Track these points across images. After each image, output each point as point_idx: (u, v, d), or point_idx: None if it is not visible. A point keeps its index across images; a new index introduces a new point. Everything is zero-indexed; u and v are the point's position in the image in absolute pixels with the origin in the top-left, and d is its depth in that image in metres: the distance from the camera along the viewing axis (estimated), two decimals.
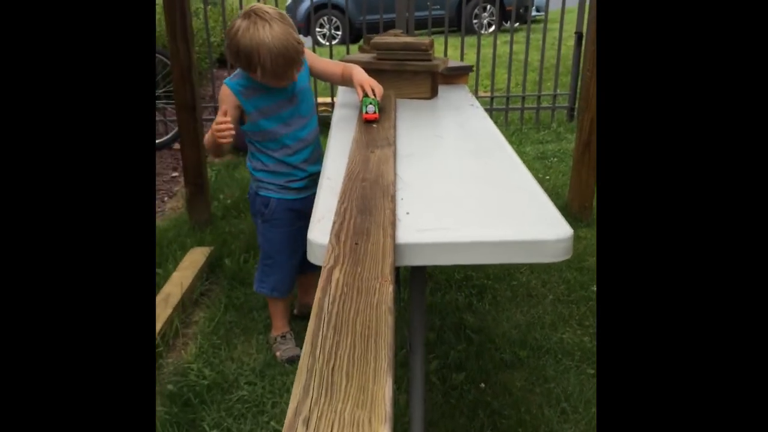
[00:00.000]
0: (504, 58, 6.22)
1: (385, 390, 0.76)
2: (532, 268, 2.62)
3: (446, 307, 2.41)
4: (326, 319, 0.89)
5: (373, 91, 1.91)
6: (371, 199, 1.29)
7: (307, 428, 0.69)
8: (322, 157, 1.78)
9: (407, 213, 1.27)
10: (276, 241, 2.10)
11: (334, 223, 1.19)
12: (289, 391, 1.99)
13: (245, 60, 1.76)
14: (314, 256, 1.21)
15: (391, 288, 0.97)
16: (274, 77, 1.80)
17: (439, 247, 1.18)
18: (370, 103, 1.83)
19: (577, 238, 2.84)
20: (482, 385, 1.99)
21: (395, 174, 1.45)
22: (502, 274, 2.59)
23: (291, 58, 1.76)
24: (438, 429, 1.81)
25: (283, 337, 2.23)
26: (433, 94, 2.26)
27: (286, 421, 0.70)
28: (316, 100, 2.25)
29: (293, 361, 2.14)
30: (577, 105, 4.84)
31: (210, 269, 2.73)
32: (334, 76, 2.13)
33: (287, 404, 2.02)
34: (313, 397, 0.74)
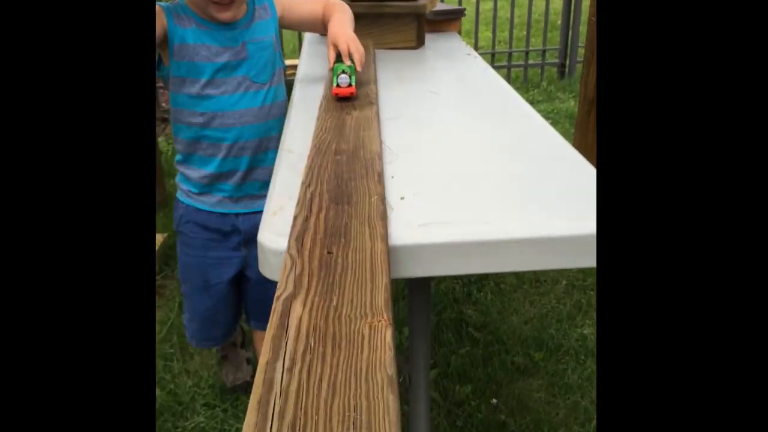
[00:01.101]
0: (488, 13, 5.78)
1: None
2: None
3: (441, 298, 2.03)
4: (276, 407, 0.49)
5: (350, 55, 1.27)
6: (350, 179, 0.88)
7: None
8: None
9: (401, 198, 0.88)
10: (184, 266, 1.44)
11: (294, 218, 0.79)
12: None
13: None
14: (268, 268, 0.81)
15: (389, 333, 0.58)
16: None
17: (456, 250, 0.79)
18: (344, 72, 1.19)
19: None
20: (494, 400, 1.62)
21: (381, 143, 1.04)
22: None
23: None
24: None
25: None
26: (420, 42, 1.84)
27: None
28: (284, 73, 1.44)
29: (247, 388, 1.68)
30: (567, 62, 4.45)
31: (163, 260, 2.32)
32: (315, 23, 1.45)
33: None
34: None
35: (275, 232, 0.80)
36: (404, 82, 1.45)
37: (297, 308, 0.61)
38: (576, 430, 1.53)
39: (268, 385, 0.52)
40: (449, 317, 1.93)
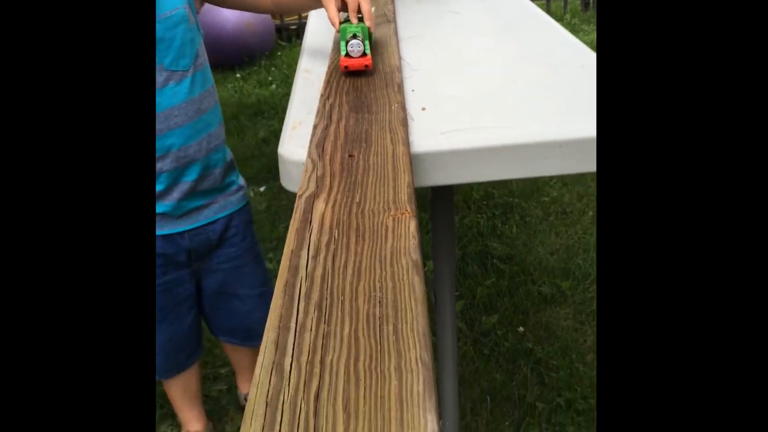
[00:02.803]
0: None
1: None
2: (564, 180, 2.21)
3: (466, 232, 2.02)
4: (303, 289, 0.49)
5: (359, 11, 0.96)
6: (369, 90, 0.87)
7: None
8: (226, 170, 1.14)
9: (423, 109, 0.86)
10: None
11: (314, 127, 0.77)
12: None
13: None
14: (289, 180, 0.80)
15: (413, 225, 0.57)
16: None
17: (479, 155, 0.78)
18: (354, 36, 0.89)
19: None
20: (520, 328, 1.62)
21: (400, 58, 1.02)
22: (530, 190, 2.18)
23: None
24: (471, 390, 1.45)
25: None
26: None
27: None
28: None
29: None
30: None
31: None
32: None
33: None
34: None
35: (295, 144, 0.80)
36: (423, 3, 1.42)
37: (320, 206, 0.61)
38: None
39: (294, 270, 0.52)
40: (474, 250, 1.92)
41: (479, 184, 2.24)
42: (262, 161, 2.59)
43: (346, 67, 0.90)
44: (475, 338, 1.61)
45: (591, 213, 2.05)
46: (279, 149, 0.81)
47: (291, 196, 2.31)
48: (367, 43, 0.91)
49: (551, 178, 2.22)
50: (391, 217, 0.58)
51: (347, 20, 0.95)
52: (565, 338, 1.58)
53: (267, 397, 0.40)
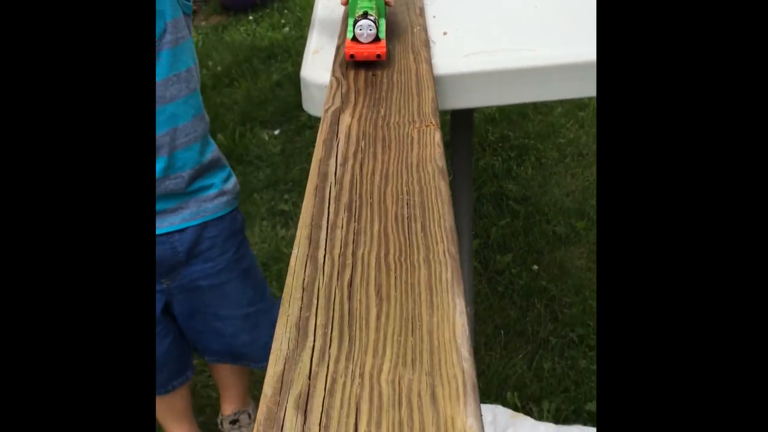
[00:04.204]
0: None
1: (454, 325, 0.39)
2: (581, 121, 2.20)
3: (480, 174, 2.02)
4: (333, 192, 0.50)
5: None
6: (390, 13, 0.86)
7: (305, 416, 0.33)
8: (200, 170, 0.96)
9: (444, 33, 0.86)
10: None
11: (337, 48, 0.78)
12: None
13: None
14: (312, 104, 0.81)
15: (438, 135, 0.58)
16: None
17: (500, 78, 0.78)
18: (366, 14, 0.69)
19: None
20: (534, 267, 1.64)
21: None
22: (546, 132, 2.17)
23: None
24: (485, 325, 1.47)
25: None
26: None
27: (261, 404, 0.34)
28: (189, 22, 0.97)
29: None
30: None
31: None
32: None
33: None
34: (316, 345, 0.37)
35: (318, 66, 0.80)
36: None
37: (345, 119, 0.61)
38: None
39: (323, 176, 0.53)
40: (489, 191, 1.93)
41: (494, 127, 2.23)
42: (276, 104, 2.59)
43: (351, 56, 0.69)
44: (490, 276, 1.64)
45: None
46: (302, 73, 0.81)
47: (305, 139, 2.33)
48: (382, 22, 0.71)
49: (568, 119, 2.21)
50: (416, 129, 0.59)
51: None
52: (579, 276, 1.60)
53: (303, 283, 0.41)
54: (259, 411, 0.33)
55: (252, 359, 1.13)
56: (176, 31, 0.90)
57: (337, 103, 0.64)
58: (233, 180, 1.03)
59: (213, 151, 0.99)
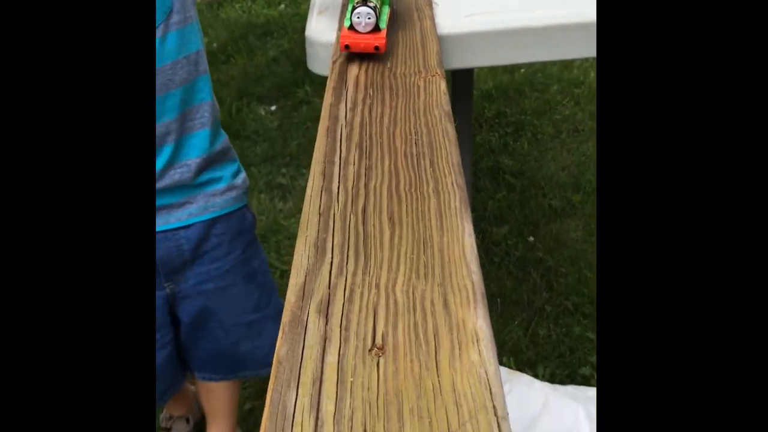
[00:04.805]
0: None
1: (463, 245, 0.41)
2: (577, 98, 2.22)
3: (477, 150, 2.04)
4: (344, 133, 0.52)
5: None
6: None
7: (326, 319, 0.35)
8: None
9: None
10: None
11: (342, 6, 0.79)
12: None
13: None
14: (317, 62, 0.82)
15: (443, 84, 0.60)
16: None
17: (502, 38, 0.80)
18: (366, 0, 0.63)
19: None
20: (530, 238, 1.67)
21: None
22: (542, 108, 2.19)
23: None
24: None
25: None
26: None
27: (285, 309, 0.36)
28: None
29: None
30: None
31: None
32: None
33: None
34: (334, 262, 0.39)
35: (323, 25, 0.81)
36: None
37: (353, 69, 0.63)
38: None
39: (334, 119, 0.55)
40: (486, 166, 1.95)
41: (491, 103, 2.25)
42: (273, 80, 2.59)
43: (346, 46, 0.63)
44: (486, 248, 1.66)
45: None
46: (306, 32, 0.83)
47: (303, 115, 2.33)
48: (385, 10, 0.66)
49: (564, 96, 2.23)
50: (422, 79, 0.61)
51: None
52: (574, 248, 1.63)
53: (319, 209, 0.43)
54: (283, 315, 0.35)
55: (251, 367, 1.04)
56: (184, 10, 0.85)
57: (345, 55, 0.66)
58: (243, 175, 0.98)
59: (223, 141, 0.95)
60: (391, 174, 0.47)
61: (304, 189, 2.02)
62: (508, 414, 0.30)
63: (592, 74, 2.38)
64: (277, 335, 0.34)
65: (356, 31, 0.63)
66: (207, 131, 0.90)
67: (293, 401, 0.30)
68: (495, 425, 0.29)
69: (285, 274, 1.64)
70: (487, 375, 0.31)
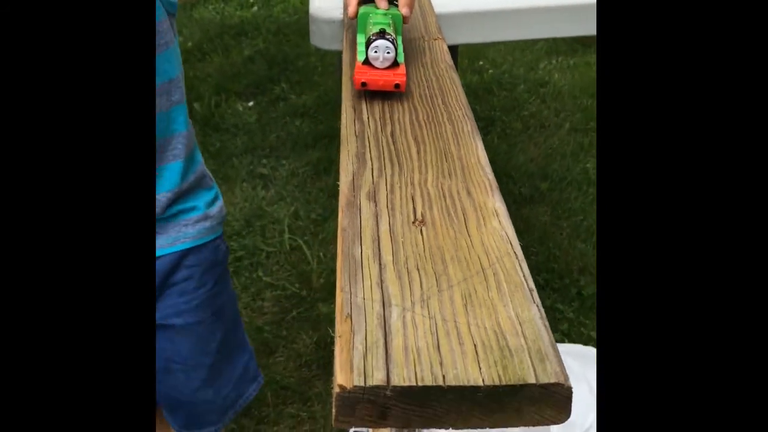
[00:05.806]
0: None
1: (478, 156, 0.50)
2: (543, 96, 2.35)
3: None
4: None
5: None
6: None
7: (375, 203, 0.43)
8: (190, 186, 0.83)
9: None
10: None
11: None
12: (283, 243, 1.75)
13: None
14: (321, 38, 0.91)
15: (444, 46, 0.69)
16: None
17: (491, 18, 0.89)
18: (383, 32, 0.57)
19: (587, 64, 2.57)
20: None
21: None
22: (510, 105, 2.31)
23: None
24: None
25: None
26: None
27: (341, 197, 0.44)
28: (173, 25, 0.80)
29: None
30: None
31: None
32: None
33: (287, 255, 1.79)
34: (374, 167, 0.47)
35: (326, 2, 0.90)
36: None
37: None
38: (579, 244, 1.69)
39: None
40: None
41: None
42: (250, 78, 2.66)
43: (363, 83, 0.57)
44: None
45: (567, 126, 2.19)
46: (310, 10, 0.91)
47: (280, 110, 2.42)
48: (399, 41, 0.60)
49: (531, 95, 2.35)
50: (426, 42, 0.70)
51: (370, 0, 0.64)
52: (543, 230, 1.74)
53: (355, 132, 0.52)
54: (339, 200, 0.43)
55: (209, 421, 0.93)
56: (159, 36, 0.77)
57: (353, 30, 0.75)
58: (219, 204, 0.88)
59: (197, 170, 0.85)
60: (410, 109, 0.56)
61: (285, 178, 2.09)
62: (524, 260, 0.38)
63: (557, 75, 2.52)
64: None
65: (373, 67, 0.57)
66: (179, 164, 0.81)
67: (359, 252, 0.38)
68: (518, 265, 0.38)
69: (270, 255, 1.71)
70: (507, 235, 0.40)
